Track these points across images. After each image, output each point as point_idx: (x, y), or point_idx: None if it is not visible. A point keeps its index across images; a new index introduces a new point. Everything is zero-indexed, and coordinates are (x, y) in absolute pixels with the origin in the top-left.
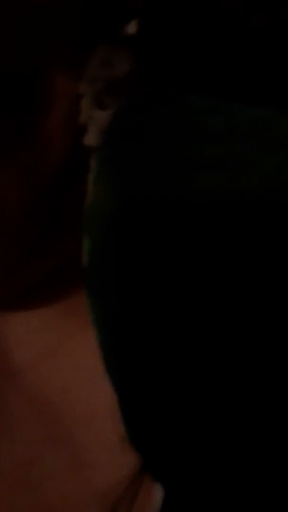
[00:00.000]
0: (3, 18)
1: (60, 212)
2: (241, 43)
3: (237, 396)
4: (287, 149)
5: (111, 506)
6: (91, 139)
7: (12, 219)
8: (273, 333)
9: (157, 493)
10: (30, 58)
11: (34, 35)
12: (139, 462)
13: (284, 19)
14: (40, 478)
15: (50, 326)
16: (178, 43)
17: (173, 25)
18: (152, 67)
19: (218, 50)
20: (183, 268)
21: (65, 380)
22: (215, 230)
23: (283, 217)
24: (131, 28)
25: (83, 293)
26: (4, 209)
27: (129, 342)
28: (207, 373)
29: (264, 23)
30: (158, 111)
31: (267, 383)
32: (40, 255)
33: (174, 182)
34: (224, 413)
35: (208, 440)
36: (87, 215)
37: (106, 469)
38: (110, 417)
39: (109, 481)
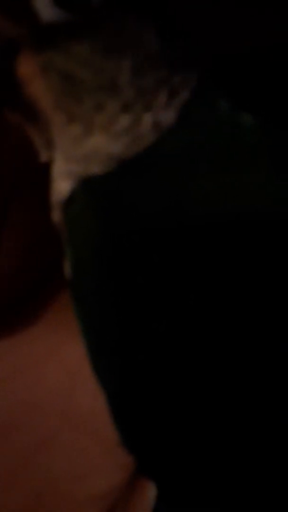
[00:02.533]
0: None
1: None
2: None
3: (228, 399)
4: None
5: (108, 507)
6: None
7: None
8: (264, 357)
9: (151, 492)
10: None
11: None
12: (134, 463)
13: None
14: (36, 481)
15: (41, 334)
16: None
17: None
18: None
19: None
20: (158, 275)
21: (55, 385)
22: (191, 249)
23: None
24: None
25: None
26: None
27: (114, 347)
28: (194, 374)
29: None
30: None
31: (254, 389)
32: None
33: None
34: (215, 414)
35: (199, 440)
36: (69, 230)
37: (104, 471)
38: (104, 421)
39: (107, 483)
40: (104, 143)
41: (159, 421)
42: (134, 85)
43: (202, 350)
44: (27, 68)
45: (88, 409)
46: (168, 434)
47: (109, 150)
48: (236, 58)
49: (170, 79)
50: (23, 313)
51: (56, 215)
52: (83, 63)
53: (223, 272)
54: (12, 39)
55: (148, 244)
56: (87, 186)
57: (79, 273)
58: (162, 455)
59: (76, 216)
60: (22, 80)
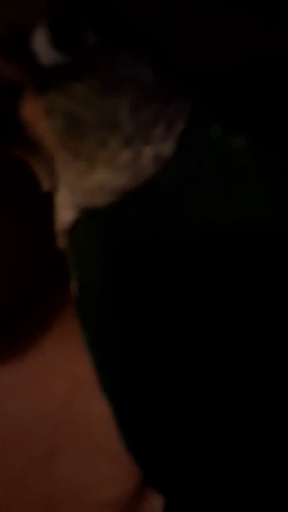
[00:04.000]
0: None
1: None
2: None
3: (232, 410)
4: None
5: None
6: None
7: None
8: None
9: (158, 501)
10: None
11: None
12: (141, 474)
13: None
14: (45, 489)
15: (47, 346)
16: None
17: None
18: None
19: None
20: (160, 295)
21: (63, 395)
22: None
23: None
24: None
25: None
26: None
27: (121, 362)
28: (197, 386)
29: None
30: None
31: (259, 399)
32: None
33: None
34: (219, 423)
35: (204, 449)
36: (74, 255)
37: (112, 480)
38: (111, 430)
39: (115, 491)
40: (107, 177)
41: (163, 431)
42: (133, 120)
43: (204, 363)
44: (31, 110)
45: (94, 419)
46: (173, 443)
47: (112, 184)
48: (226, 82)
49: (166, 111)
50: (29, 325)
51: (61, 242)
52: (84, 103)
53: (225, 288)
54: (14, 81)
55: (150, 266)
56: (91, 216)
57: (85, 294)
58: (167, 465)
59: (81, 243)
60: (26, 122)
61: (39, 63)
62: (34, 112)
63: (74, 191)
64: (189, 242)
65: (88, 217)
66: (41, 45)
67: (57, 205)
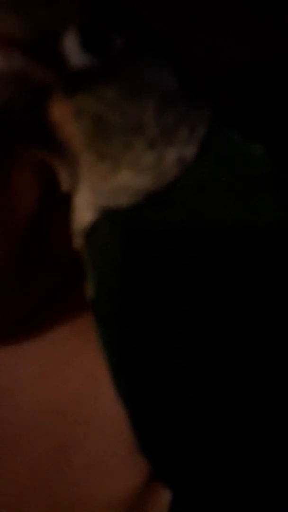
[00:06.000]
0: None
1: (42, 255)
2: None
3: (245, 410)
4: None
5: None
6: None
7: None
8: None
9: (166, 497)
10: None
11: None
12: (150, 468)
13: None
14: (56, 485)
15: (58, 342)
16: None
17: None
18: None
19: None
20: (181, 296)
21: (75, 391)
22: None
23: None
24: None
25: (88, 313)
26: None
27: (137, 363)
28: (211, 386)
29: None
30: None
31: (271, 397)
32: (26, 288)
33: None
34: (231, 423)
35: (216, 447)
36: (92, 255)
37: (122, 476)
38: (122, 427)
39: (125, 488)
40: (131, 178)
41: (177, 429)
42: (157, 123)
43: (222, 365)
44: (59, 111)
45: (105, 414)
46: (186, 441)
47: (136, 185)
48: (244, 91)
49: (188, 115)
50: (42, 322)
51: (78, 242)
52: (111, 105)
53: (241, 291)
54: (43, 84)
55: (170, 268)
56: (113, 217)
57: (103, 294)
58: (179, 461)
59: (101, 243)
60: (55, 123)
61: (68, 66)
62: (62, 114)
63: (97, 191)
64: (207, 247)
65: (110, 217)
66: (71, 48)
67: (76, 206)
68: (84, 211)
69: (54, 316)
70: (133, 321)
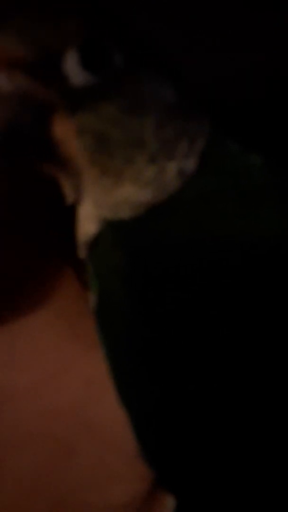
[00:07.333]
0: None
1: None
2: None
3: (247, 417)
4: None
5: None
6: None
7: None
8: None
9: (170, 503)
10: None
11: None
12: (154, 475)
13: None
14: (57, 489)
15: (58, 346)
16: None
17: None
18: None
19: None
20: (185, 305)
21: (75, 395)
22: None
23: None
24: None
25: (87, 319)
26: None
27: (140, 369)
28: (213, 392)
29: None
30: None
31: (273, 399)
32: None
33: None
34: (235, 429)
35: (219, 454)
36: (95, 266)
37: (123, 481)
38: (123, 431)
39: (127, 493)
40: (133, 192)
41: (179, 435)
42: (157, 137)
43: (223, 373)
44: (62, 129)
45: (107, 419)
46: (188, 447)
47: (138, 199)
48: (242, 102)
49: (187, 128)
50: (43, 326)
51: (81, 253)
52: (112, 122)
53: (244, 301)
54: (46, 102)
55: (172, 278)
56: (115, 229)
57: (106, 304)
58: (182, 467)
59: (104, 254)
60: (58, 141)
61: (69, 85)
62: (65, 131)
63: (100, 205)
64: (209, 258)
65: (113, 229)
66: (72, 67)
67: (80, 218)
68: (88, 223)
69: (53, 322)
70: (137, 330)
